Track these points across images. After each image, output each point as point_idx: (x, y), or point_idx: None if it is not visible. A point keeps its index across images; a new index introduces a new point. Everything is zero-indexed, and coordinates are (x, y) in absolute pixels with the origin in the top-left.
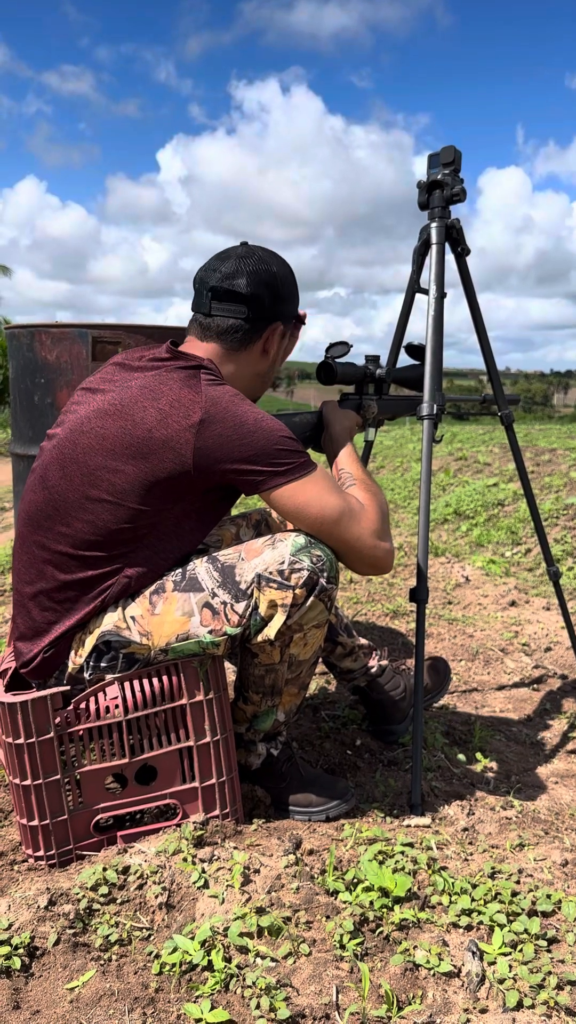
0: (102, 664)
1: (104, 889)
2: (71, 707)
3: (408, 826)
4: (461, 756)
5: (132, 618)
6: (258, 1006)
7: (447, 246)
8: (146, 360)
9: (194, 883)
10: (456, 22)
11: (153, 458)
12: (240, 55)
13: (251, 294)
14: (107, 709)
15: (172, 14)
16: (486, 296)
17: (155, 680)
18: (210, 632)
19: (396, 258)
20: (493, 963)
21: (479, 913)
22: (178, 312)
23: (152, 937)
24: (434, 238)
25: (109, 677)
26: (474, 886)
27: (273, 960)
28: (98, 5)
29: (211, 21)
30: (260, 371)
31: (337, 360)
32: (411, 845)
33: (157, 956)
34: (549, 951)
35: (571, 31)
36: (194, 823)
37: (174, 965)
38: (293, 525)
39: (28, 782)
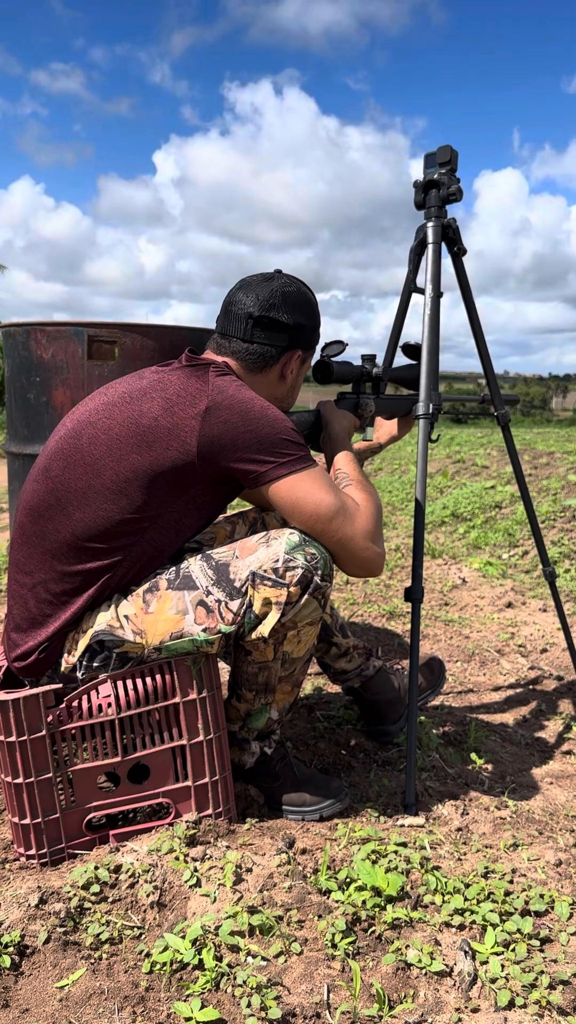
0: (95, 664)
1: (95, 888)
2: (63, 705)
3: (402, 826)
4: (456, 756)
5: (125, 617)
6: (249, 1005)
7: (443, 245)
8: (164, 365)
9: (186, 882)
10: (450, 18)
11: (158, 446)
12: (231, 56)
13: (294, 324)
14: (100, 707)
15: (157, 8)
16: (484, 300)
17: (148, 678)
18: (204, 630)
19: (393, 261)
20: (485, 962)
21: (472, 912)
22: (175, 314)
23: (143, 936)
24: (430, 237)
25: (102, 675)
26: (467, 886)
27: (264, 959)
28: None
29: (197, 17)
30: (278, 395)
31: (333, 359)
32: (404, 845)
33: (148, 955)
34: (542, 951)
35: (567, 35)
36: (187, 822)
37: (165, 964)
38: (288, 521)
39: (20, 780)
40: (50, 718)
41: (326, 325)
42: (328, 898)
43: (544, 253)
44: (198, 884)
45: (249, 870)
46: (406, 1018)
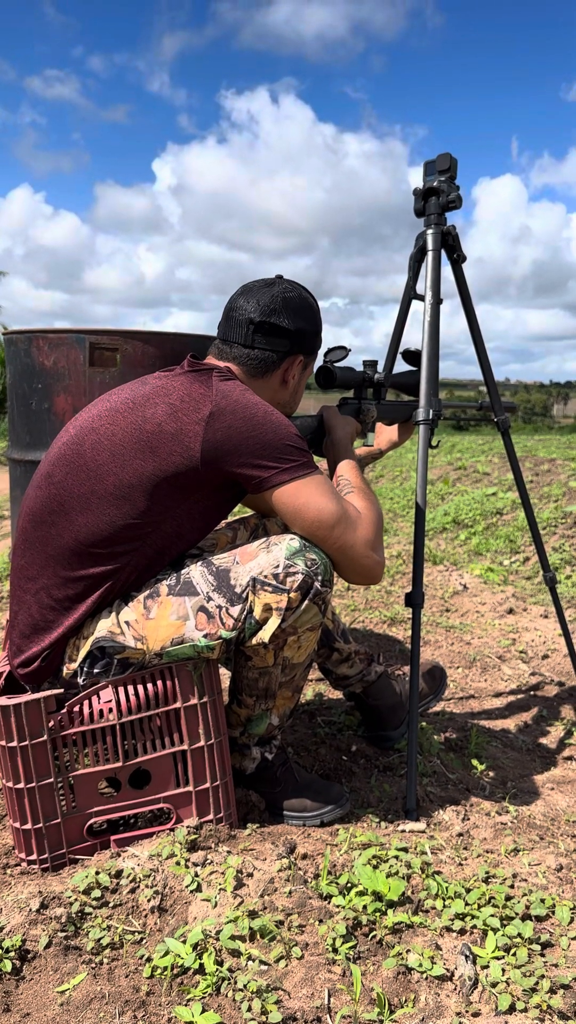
0: (96, 670)
1: (96, 893)
2: (65, 710)
3: (403, 831)
4: (457, 762)
5: (126, 623)
6: (249, 1009)
7: (443, 253)
8: (167, 371)
9: (187, 887)
10: (447, 21)
11: (162, 451)
12: (227, 65)
13: (295, 329)
14: (101, 713)
15: (147, 13)
16: (484, 307)
17: (149, 684)
18: (205, 636)
19: (393, 268)
20: (486, 967)
21: (472, 917)
22: (176, 322)
23: (144, 940)
24: (430, 244)
25: (103, 681)
26: (468, 890)
27: (265, 963)
28: (76, 5)
29: (188, 22)
30: (280, 400)
31: (335, 364)
32: (405, 850)
33: (148, 959)
34: (542, 955)
35: (566, 42)
36: (188, 827)
37: (165, 968)
38: (289, 527)
39: (21, 785)
40: (51, 723)
41: (326, 332)
42: (329, 903)
43: (544, 260)
44: (199, 889)
45: (250, 875)
46: (407, 1022)
